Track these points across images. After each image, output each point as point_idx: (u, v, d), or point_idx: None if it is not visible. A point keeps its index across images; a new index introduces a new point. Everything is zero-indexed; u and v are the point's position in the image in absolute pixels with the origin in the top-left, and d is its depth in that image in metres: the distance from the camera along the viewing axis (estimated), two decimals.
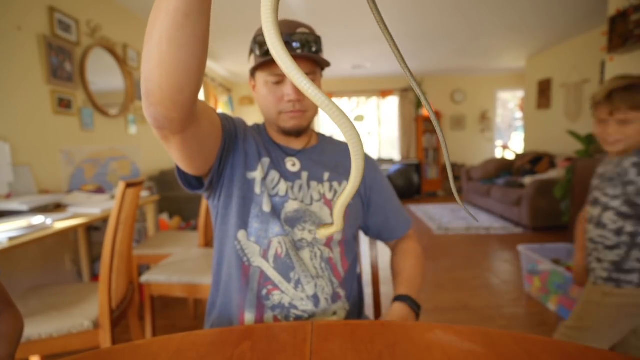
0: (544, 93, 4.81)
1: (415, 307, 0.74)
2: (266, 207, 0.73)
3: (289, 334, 0.56)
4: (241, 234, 0.74)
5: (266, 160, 0.76)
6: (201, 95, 4.72)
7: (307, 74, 0.71)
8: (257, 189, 0.74)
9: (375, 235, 0.92)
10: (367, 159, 0.88)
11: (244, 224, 0.74)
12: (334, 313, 0.74)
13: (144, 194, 2.00)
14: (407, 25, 3.70)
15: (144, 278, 1.46)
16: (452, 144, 6.61)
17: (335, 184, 0.80)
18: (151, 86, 0.46)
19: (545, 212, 3.61)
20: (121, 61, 2.78)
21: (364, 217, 0.88)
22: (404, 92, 6.37)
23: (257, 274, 0.72)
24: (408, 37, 4.07)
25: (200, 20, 0.41)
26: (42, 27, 2.05)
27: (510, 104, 7.29)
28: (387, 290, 2.32)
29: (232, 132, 0.74)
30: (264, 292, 0.72)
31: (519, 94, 6.63)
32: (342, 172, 0.82)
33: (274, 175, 0.76)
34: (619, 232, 1.03)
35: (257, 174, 0.75)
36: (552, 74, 4.65)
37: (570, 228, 2.58)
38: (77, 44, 2.31)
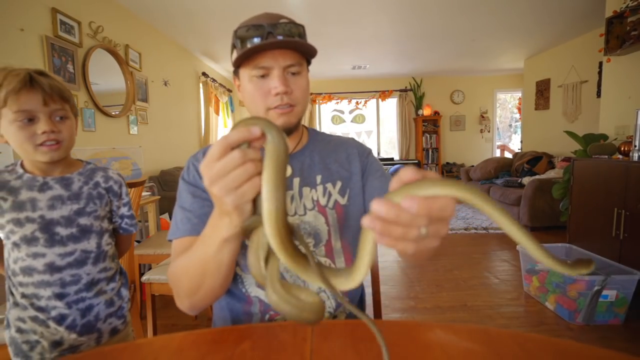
0: (542, 94, 4.82)
1: None
2: None
3: (289, 333, 0.57)
4: (236, 268, 0.73)
5: None
6: (201, 96, 4.72)
7: (292, 65, 0.65)
8: None
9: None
10: (359, 145, 0.86)
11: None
12: (334, 317, 0.75)
13: (145, 194, 2.01)
14: (408, 27, 3.71)
15: (145, 277, 1.47)
16: (451, 144, 6.62)
17: (329, 185, 0.77)
18: (186, 308, 0.62)
19: (544, 212, 3.62)
20: (122, 62, 2.78)
21: (364, 205, 0.80)
22: (403, 93, 6.38)
23: (257, 303, 0.72)
24: (408, 39, 4.07)
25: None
26: (44, 28, 2.06)
27: (509, 104, 7.29)
28: (387, 290, 2.34)
29: None
30: (267, 317, 0.72)
31: (518, 94, 6.64)
32: (334, 169, 0.79)
33: None
34: None
35: None
36: (551, 75, 4.66)
37: (569, 228, 2.59)
38: (79, 45, 2.32)
